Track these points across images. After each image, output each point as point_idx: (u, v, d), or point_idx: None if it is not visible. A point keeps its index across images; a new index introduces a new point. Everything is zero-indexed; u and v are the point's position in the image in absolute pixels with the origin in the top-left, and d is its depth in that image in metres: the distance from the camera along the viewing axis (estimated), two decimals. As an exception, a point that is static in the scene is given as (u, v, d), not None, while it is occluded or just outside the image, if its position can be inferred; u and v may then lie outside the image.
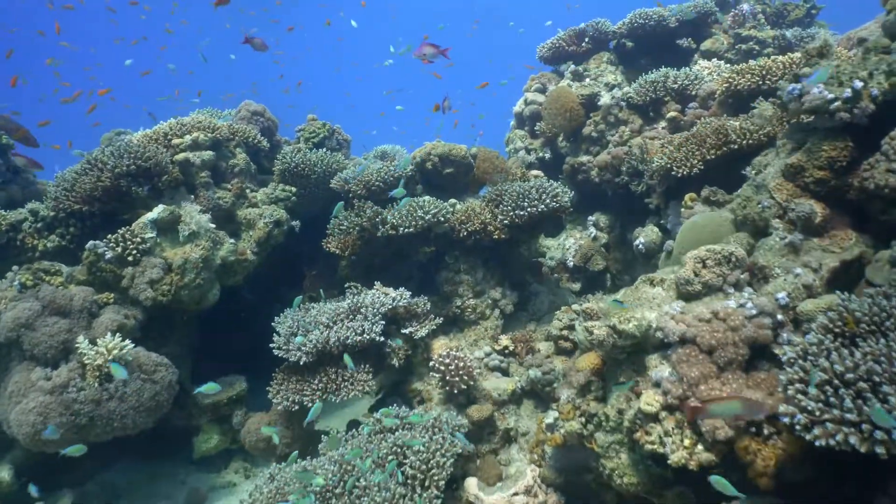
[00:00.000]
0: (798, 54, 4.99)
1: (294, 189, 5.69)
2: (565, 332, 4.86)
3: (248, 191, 5.57)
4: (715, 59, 6.72)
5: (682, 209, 4.88)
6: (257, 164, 6.21)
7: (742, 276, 3.24)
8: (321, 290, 5.19)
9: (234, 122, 6.03)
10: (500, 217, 5.12)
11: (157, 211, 4.83)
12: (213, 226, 5.07)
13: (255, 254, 5.31)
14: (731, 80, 5.34)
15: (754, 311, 3.04)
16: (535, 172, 7.08)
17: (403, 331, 4.86)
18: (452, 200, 5.32)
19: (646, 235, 5.39)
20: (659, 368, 3.17)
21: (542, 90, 7.56)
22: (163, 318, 4.96)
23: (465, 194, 5.85)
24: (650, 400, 3.08)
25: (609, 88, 6.65)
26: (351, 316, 4.74)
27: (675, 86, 6.03)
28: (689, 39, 7.29)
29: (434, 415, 4.02)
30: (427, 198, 5.30)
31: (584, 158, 6.53)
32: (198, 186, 5.28)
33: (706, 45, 7.23)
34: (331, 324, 4.68)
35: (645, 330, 3.21)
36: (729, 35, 7.32)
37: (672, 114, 5.86)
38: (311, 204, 5.98)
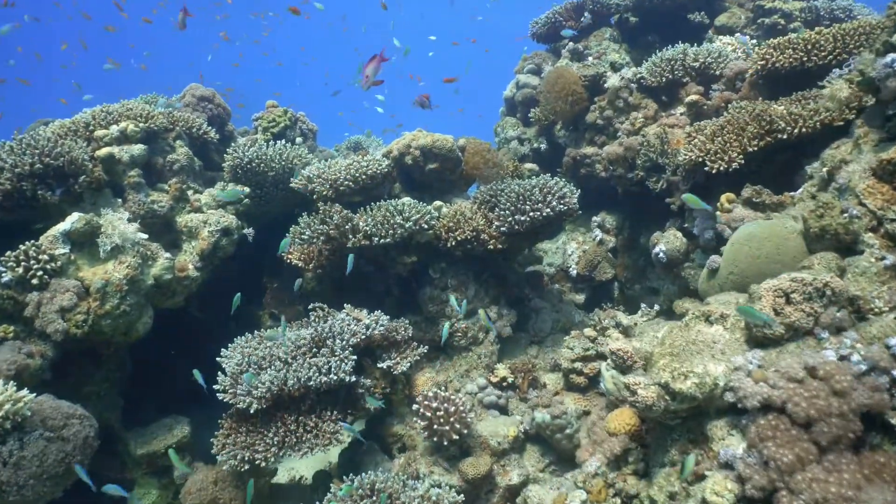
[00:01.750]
0: (868, 20, 4.13)
1: (247, 189, 4.73)
2: (578, 365, 3.99)
3: (190, 192, 4.61)
4: (738, 35, 5.84)
5: (718, 212, 4.04)
6: (204, 159, 5.24)
7: (840, 315, 2.38)
8: (282, 317, 4.25)
9: (174, 110, 5.04)
10: (495, 223, 4.22)
11: (71, 220, 3.86)
12: (145, 236, 4.11)
13: (198, 269, 4.36)
14: (767, 56, 4.48)
15: (864, 367, 2.19)
16: (529, 166, 6.18)
17: (380, 364, 3.96)
18: (438, 203, 4.41)
19: (667, 242, 4.53)
20: (729, 443, 2.31)
21: (537, 71, 6.65)
22: (84, 350, 4.00)
23: (453, 194, 4.94)
24: (719, 488, 2.22)
25: (616, 69, 5.76)
26: (315, 349, 3.82)
27: (696, 64, 5.16)
28: (702, 14, 6.42)
29: (421, 490, 3.12)
30: (407, 200, 4.39)
31: (589, 150, 5.65)
32: (126, 188, 4.31)
33: (721, 19, 6.37)
34: (290, 360, 3.76)
35: (710, 390, 2.34)
36: (746, 8, 6.47)
37: (693, 97, 5.00)
38: (269, 206, 5.03)
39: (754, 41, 5.58)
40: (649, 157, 4.75)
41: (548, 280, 5.26)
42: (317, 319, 4.24)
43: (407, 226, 4.03)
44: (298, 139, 5.83)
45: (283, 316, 4.31)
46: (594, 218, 5.78)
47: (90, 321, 3.74)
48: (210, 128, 5.08)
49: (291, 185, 4.66)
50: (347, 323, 3.92)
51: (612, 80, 5.47)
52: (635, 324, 4.76)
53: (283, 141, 5.01)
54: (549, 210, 4.12)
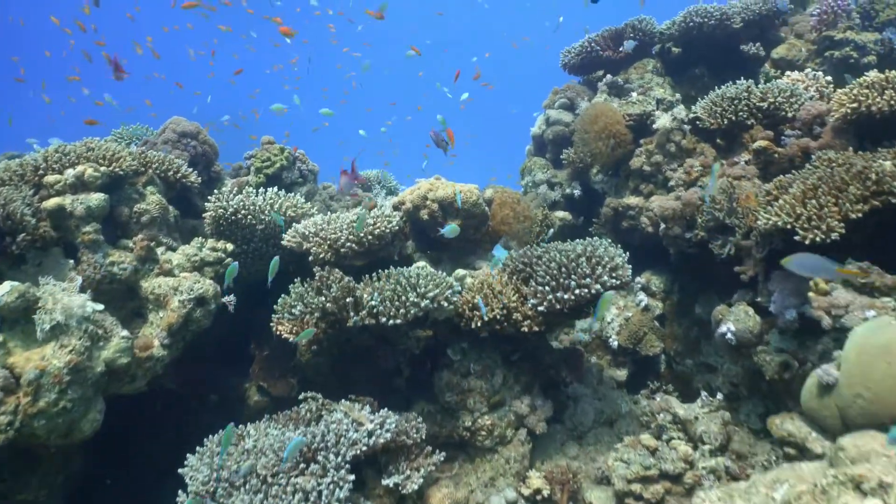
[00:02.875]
0: None
1: (230, 247, 3.94)
2: (636, 488, 3.15)
3: (161, 250, 3.82)
4: (806, 70, 5.06)
5: (811, 293, 3.22)
6: (185, 205, 4.47)
7: None
8: (230, 425, 3.45)
9: (147, 149, 4.29)
10: (531, 300, 3.40)
11: (1, 292, 3.07)
12: (99, 307, 3.32)
13: (166, 346, 3.55)
14: (861, 97, 3.69)
15: None
16: (560, 214, 5.40)
17: (386, 480, 3.12)
18: (461, 272, 3.60)
19: (737, 320, 3.71)
20: None
21: (569, 106, 5.87)
22: (16, 451, 3.19)
23: (476, 255, 4.14)
24: None
25: (664, 107, 4.99)
26: (303, 464, 2.99)
27: (764, 105, 4.37)
28: (757, 45, 5.66)
29: None
30: (423, 268, 3.59)
31: (633, 199, 4.85)
32: (80, 247, 3.52)
33: (780, 51, 5.61)
34: (270, 478, 2.94)
35: None
36: (806, 40, 5.70)
37: (761, 143, 4.21)
38: (259, 263, 4.24)
39: (828, 78, 4.80)
40: (714, 215, 3.94)
41: (587, 356, 4.42)
42: (308, 413, 3.43)
43: (423, 304, 3.22)
44: (298, 179, 5.06)
45: (230, 424, 3.48)
46: (637, 279, 4.96)
47: (18, 422, 2.93)
48: (191, 170, 4.31)
49: (283, 243, 3.87)
50: (346, 428, 3.09)
51: (662, 121, 4.68)
52: (696, 417, 3.92)
53: (275, 188, 4.22)
54: (598, 286, 3.31)
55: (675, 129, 4.65)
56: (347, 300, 3.42)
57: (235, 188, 4.53)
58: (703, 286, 4.53)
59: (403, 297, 3.24)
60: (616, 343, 4.66)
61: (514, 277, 3.61)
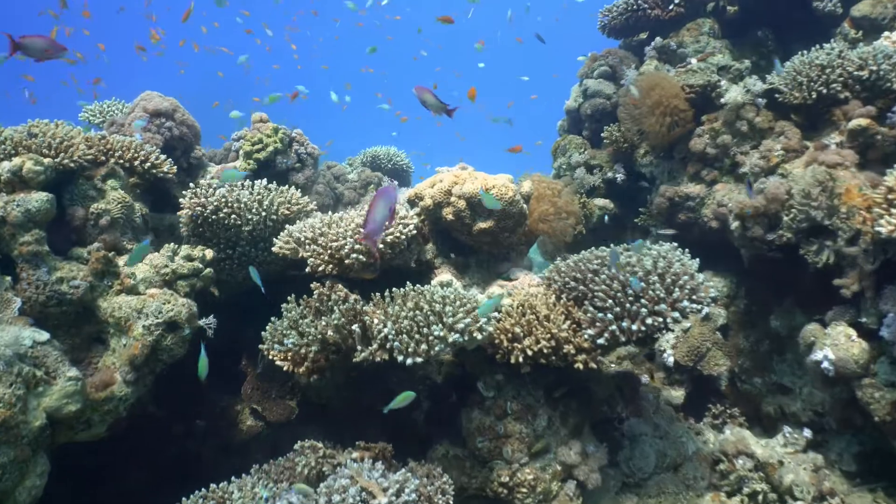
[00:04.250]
0: None
1: (209, 254, 3.21)
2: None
3: (124, 259, 3.09)
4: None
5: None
6: (161, 200, 3.74)
7: None
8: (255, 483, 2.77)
9: (113, 132, 3.54)
10: (588, 331, 2.66)
11: None
12: (43, 338, 2.62)
13: (130, 383, 2.85)
14: None
15: None
16: (599, 202, 4.63)
17: (404, 564, 2.44)
18: (496, 292, 2.86)
19: (836, 346, 2.99)
20: None
21: (610, 75, 5.04)
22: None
23: (510, 261, 3.39)
24: None
25: (733, 77, 4.16)
26: (297, 551, 2.31)
27: (863, 74, 3.55)
28: (833, 2, 4.78)
29: None
30: (447, 284, 2.85)
31: (693, 188, 4.07)
32: (18, 261, 2.80)
33: (862, 8, 4.73)
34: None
35: None
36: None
37: (860, 121, 3.41)
38: (240, 272, 3.52)
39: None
40: (808, 215, 3.16)
41: (645, 385, 3.69)
42: (306, 468, 2.74)
43: (451, 339, 2.48)
44: (295, 165, 4.30)
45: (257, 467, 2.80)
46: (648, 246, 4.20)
47: (-72, 501, 2.25)
48: (164, 157, 3.55)
49: (274, 250, 3.14)
50: (354, 501, 2.39)
51: (733, 94, 3.87)
52: (780, 462, 3.22)
53: (264, 181, 3.46)
54: (676, 314, 2.56)
55: (748, 103, 3.84)
56: (353, 327, 2.70)
57: (218, 177, 3.79)
58: (780, 295, 3.77)
59: (425, 330, 2.50)
60: (672, 359, 3.93)
61: (564, 297, 2.87)
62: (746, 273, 4.02)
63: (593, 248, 3.20)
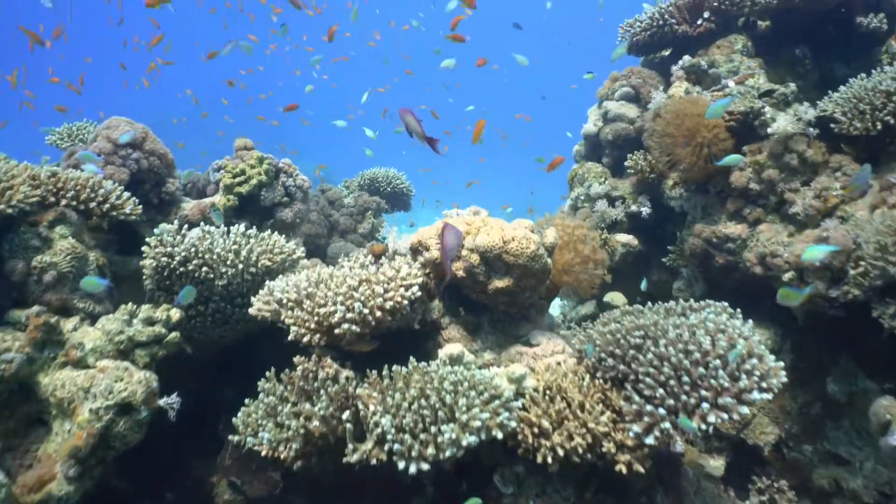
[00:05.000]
0: None
1: (174, 314, 2.71)
2: None
3: (72, 324, 2.59)
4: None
5: None
6: (126, 244, 3.25)
7: None
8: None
9: (66, 164, 3.05)
10: (633, 427, 2.15)
11: None
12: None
13: (73, 480, 2.34)
14: None
15: None
16: (622, 239, 4.14)
17: None
18: (517, 371, 2.35)
19: (922, 429, 2.48)
20: None
21: (633, 97, 4.57)
22: None
23: (530, 321, 2.89)
24: None
25: (776, 102, 3.68)
26: None
27: (936, 102, 3.07)
28: (879, 17, 4.32)
29: None
30: (456, 359, 2.35)
31: (733, 228, 3.58)
32: (-62, 331, 2.30)
33: (912, 24, 4.27)
34: None
35: None
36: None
37: (934, 158, 2.91)
38: (222, 328, 3.02)
39: None
40: (884, 270, 2.67)
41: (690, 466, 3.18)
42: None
43: (465, 442, 1.98)
44: (282, 199, 3.81)
45: None
46: (700, 303, 3.70)
47: None
48: (127, 196, 3.05)
49: (252, 312, 2.64)
50: None
51: (781, 123, 3.38)
52: (851, 564, 2.71)
53: (242, 227, 2.96)
54: (744, 409, 2.06)
55: (799, 133, 3.35)
56: (344, 417, 2.20)
57: (184, 219, 3.29)
58: (836, 353, 3.29)
59: (433, 428, 2.00)
60: (712, 427, 3.42)
61: (600, 375, 2.37)
62: (794, 325, 3.54)
63: (631, 311, 2.71)
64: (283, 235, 3.69)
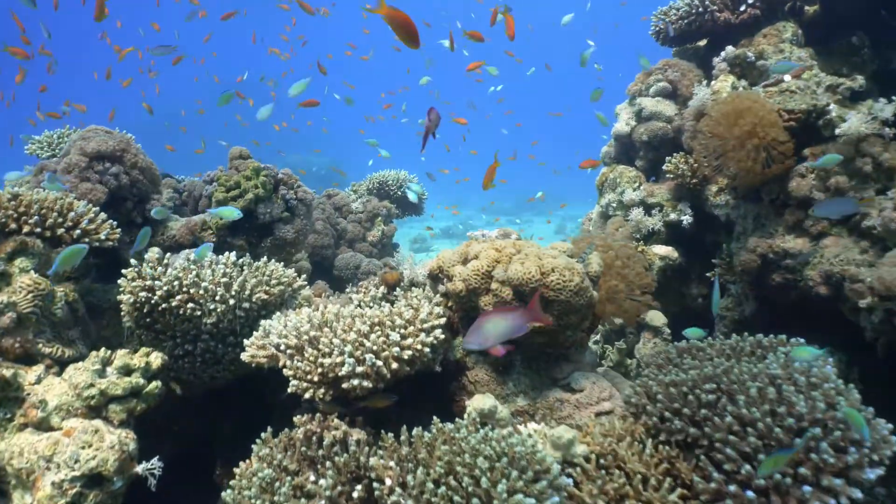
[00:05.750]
0: None
1: (156, 360, 2.31)
2: None
3: (36, 374, 2.20)
4: None
5: None
6: (107, 270, 2.86)
7: None
8: None
9: (35, 181, 2.66)
10: (715, 508, 1.74)
11: None
12: None
13: (33, 565, 1.96)
14: None
15: None
16: (661, 251, 3.72)
17: None
18: (563, 434, 1.93)
19: None
20: None
21: (670, 92, 4.13)
22: None
23: (572, 362, 2.47)
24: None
25: (840, 98, 3.23)
26: None
27: None
28: (945, -2, 3.86)
29: None
30: (488, 415, 1.95)
31: (793, 242, 3.15)
32: None
33: (985, 7, 3.80)
34: None
35: None
36: None
37: None
38: (213, 368, 2.64)
39: None
40: None
41: None
42: None
43: (506, 540, 1.57)
44: (282, 215, 3.40)
45: None
46: (774, 340, 3.28)
47: None
48: (102, 219, 2.65)
49: (244, 358, 2.24)
50: None
51: (854, 123, 2.94)
52: None
53: (233, 255, 2.56)
54: (856, 492, 1.64)
55: (873, 134, 2.91)
56: (356, 496, 1.80)
57: (184, 238, 2.89)
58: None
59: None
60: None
61: (663, 438, 1.95)
62: (862, 351, 3.11)
63: (691, 348, 2.29)
64: (284, 254, 3.29)
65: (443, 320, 2.16)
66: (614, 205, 4.07)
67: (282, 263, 2.64)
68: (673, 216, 3.87)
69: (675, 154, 3.87)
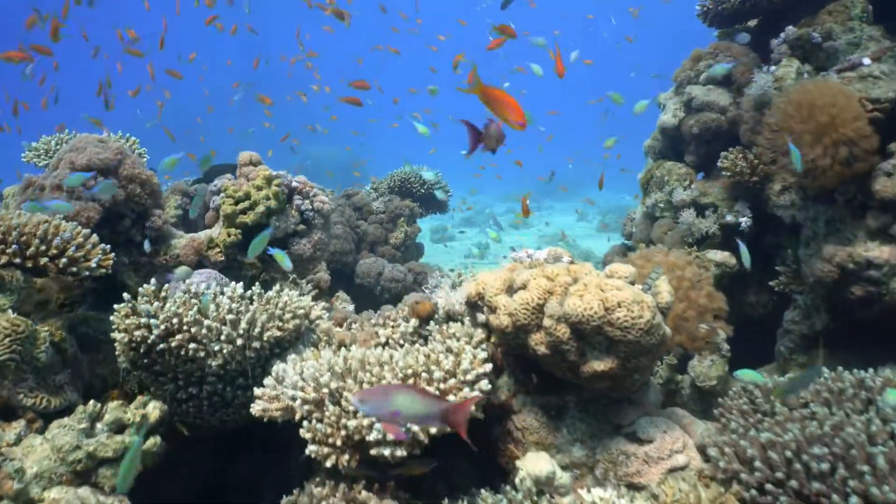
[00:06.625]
0: None
1: (153, 411, 2.00)
2: None
3: (16, 431, 1.90)
4: None
5: None
6: (104, 295, 2.55)
7: None
8: None
9: (22, 198, 2.36)
10: None
11: None
12: None
13: None
14: None
15: None
16: (716, 257, 3.35)
17: None
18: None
19: None
20: None
21: (724, 80, 3.72)
22: None
23: (636, 406, 2.12)
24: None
25: (934, 82, 2.81)
26: None
27: None
28: None
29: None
30: (545, 482, 1.62)
31: (879, 251, 2.77)
32: None
33: None
34: None
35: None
36: None
37: None
38: (221, 412, 2.32)
39: None
40: None
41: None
42: None
43: None
44: (298, 228, 3.07)
45: None
46: (878, 377, 2.89)
47: None
48: (93, 244, 2.34)
49: (255, 412, 1.92)
50: None
51: (953, 113, 2.53)
52: None
53: (240, 287, 2.23)
54: None
55: (976, 126, 2.50)
56: None
57: (188, 257, 2.57)
58: None
59: None
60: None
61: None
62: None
63: (783, 388, 1.93)
64: (301, 270, 2.97)
65: (489, 367, 1.82)
66: (661, 205, 3.69)
67: (296, 290, 2.31)
68: (729, 218, 3.48)
69: (730, 149, 3.47)
